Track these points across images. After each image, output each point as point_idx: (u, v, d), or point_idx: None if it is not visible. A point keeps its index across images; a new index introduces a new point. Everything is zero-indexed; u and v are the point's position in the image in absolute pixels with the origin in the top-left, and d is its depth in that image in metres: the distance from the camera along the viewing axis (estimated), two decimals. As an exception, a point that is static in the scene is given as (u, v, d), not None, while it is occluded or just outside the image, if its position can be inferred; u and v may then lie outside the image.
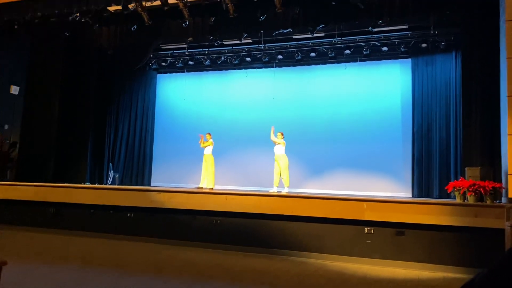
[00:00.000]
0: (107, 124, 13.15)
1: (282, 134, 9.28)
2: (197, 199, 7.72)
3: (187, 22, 9.67)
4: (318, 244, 6.81)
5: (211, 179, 9.76)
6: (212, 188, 9.61)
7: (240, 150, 12.07)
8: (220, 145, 11.91)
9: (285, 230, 7.03)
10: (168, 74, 13.46)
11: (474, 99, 8.38)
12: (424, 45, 10.27)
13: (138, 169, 13.00)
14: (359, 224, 6.59)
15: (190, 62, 12.62)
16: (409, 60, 10.85)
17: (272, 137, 9.24)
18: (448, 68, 10.26)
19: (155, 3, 9.34)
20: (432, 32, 10.02)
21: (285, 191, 8.81)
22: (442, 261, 6.13)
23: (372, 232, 6.51)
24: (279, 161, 9.08)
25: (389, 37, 10.68)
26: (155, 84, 13.43)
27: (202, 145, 10.01)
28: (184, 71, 13.00)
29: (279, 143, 9.16)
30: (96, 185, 10.50)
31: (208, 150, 9.95)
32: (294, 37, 11.13)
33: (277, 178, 9.11)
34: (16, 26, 10.12)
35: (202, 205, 7.60)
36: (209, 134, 10.12)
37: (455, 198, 6.86)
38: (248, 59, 12.01)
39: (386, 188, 10.64)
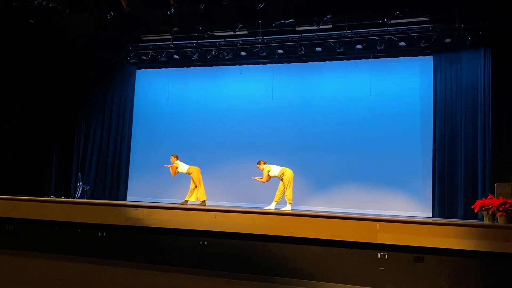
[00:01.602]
0: (76, 128, 13.14)
1: (260, 163, 9.39)
2: (181, 216, 7.69)
3: (172, 10, 9.72)
4: (322, 271, 6.80)
5: (200, 192, 9.80)
6: (204, 201, 9.66)
7: (233, 161, 12.07)
8: (209, 155, 11.95)
9: (284, 254, 7.01)
10: (149, 70, 13.47)
11: (506, 104, 8.45)
12: (448, 40, 10.34)
13: (112, 181, 12.96)
14: (370, 248, 6.60)
15: (176, 56, 12.64)
16: (431, 57, 10.93)
17: (264, 180, 9.34)
18: (475, 68, 10.33)
19: (135, -13, 9.41)
20: (457, 25, 10.10)
21: (287, 208, 8.81)
22: (467, 292, 6.15)
23: (386, 257, 6.52)
24: (282, 178, 9.12)
25: (407, 31, 10.74)
26: (134, 81, 13.45)
27: (173, 174, 10.18)
28: (168, 66, 13.03)
29: (268, 171, 9.24)
30: (62, 199, 10.46)
31: (183, 168, 9.98)
32: (297, 28, 11.19)
33: (279, 193, 9.13)
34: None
35: (187, 224, 7.57)
36: (173, 156, 10.21)
37: (483, 219, 6.89)
38: (243, 53, 12.04)
39: (402, 207, 10.66)
